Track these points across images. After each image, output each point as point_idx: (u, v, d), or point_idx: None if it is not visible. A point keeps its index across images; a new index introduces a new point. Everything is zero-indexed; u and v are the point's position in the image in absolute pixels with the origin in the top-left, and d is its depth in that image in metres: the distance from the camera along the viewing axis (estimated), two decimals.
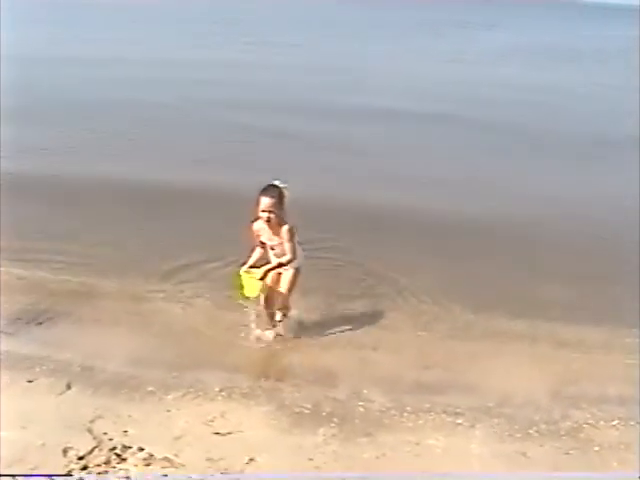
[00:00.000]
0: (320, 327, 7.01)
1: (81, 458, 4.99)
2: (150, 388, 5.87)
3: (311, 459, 5.10)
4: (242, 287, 6.73)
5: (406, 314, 7.35)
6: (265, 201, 6.63)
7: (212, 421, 5.49)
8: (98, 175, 11.27)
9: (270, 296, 7.06)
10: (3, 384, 5.84)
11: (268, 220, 6.68)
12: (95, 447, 5.11)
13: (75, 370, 6.07)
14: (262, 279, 6.73)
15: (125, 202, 10.14)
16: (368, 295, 7.76)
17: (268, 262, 6.83)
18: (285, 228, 6.74)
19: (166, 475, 4.22)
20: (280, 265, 6.84)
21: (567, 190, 11.97)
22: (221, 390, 5.88)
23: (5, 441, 5.06)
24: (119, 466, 4.94)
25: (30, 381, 5.91)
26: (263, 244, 6.91)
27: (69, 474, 3.24)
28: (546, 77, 26.64)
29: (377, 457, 5.18)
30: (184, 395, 5.81)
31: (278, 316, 7.03)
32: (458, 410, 5.76)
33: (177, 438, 5.26)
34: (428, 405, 5.82)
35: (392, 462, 5.13)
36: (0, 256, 8.06)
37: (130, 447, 5.13)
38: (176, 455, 5.06)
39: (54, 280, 7.75)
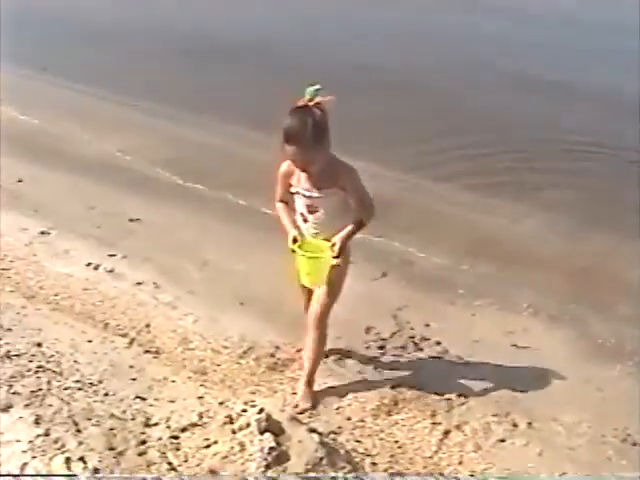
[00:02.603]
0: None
1: (381, 339, 5.46)
2: (461, 291, 6.14)
3: (600, 390, 5.04)
4: (301, 270, 4.51)
5: None
6: (292, 152, 4.22)
7: (512, 333, 5.62)
8: None
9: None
10: None
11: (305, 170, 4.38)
12: (396, 332, 5.53)
13: (394, 260, 6.54)
14: (338, 256, 4.42)
15: None
16: None
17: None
18: (346, 170, 4.38)
19: None
20: (360, 226, 4.46)
21: None
22: (529, 307, 5.96)
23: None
24: (414, 353, 5.30)
25: (351, 262, 6.42)
26: (291, 194, 4.55)
27: (73, 474, 3.58)
28: None
29: None
30: (491, 304, 5.99)
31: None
32: None
33: (474, 341, 5.49)
34: None
35: None
36: None
37: (428, 339, 5.46)
38: (470, 356, 5.29)
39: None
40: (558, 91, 11.52)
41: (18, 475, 3.42)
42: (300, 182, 4.42)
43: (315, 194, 4.40)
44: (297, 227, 4.54)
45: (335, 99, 4.22)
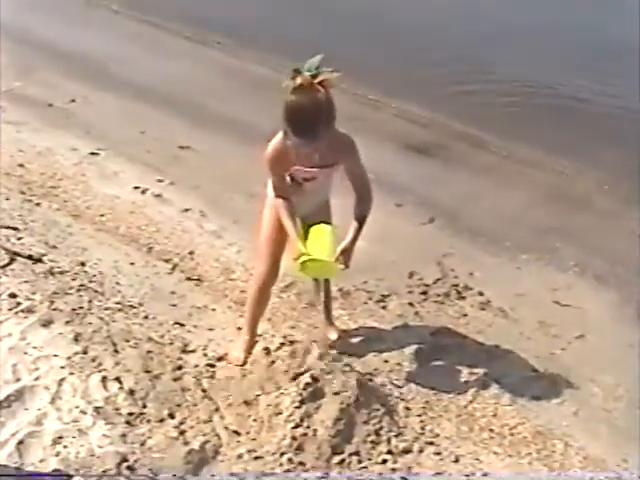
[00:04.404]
0: None
1: (424, 285, 5.39)
2: (507, 244, 6.01)
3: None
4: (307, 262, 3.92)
5: None
6: (303, 144, 3.71)
7: (556, 290, 5.51)
8: None
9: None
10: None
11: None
12: (439, 279, 5.46)
13: (443, 207, 6.43)
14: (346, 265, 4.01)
15: None
16: None
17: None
18: (348, 143, 3.92)
19: None
20: (363, 224, 4.02)
21: None
22: (575, 265, 5.82)
23: (361, 251, 5.52)
24: (456, 302, 5.24)
25: (399, 205, 6.39)
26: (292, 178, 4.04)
27: (70, 475, 3.57)
28: None
29: None
30: (538, 259, 5.87)
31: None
32: None
33: (517, 295, 5.40)
34: None
35: None
36: None
37: (471, 289, 5.39)
38: (511, 309, 5.22)
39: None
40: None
41: (17, 475, 3.44)
42: (299, 159, 3.89)
43: (316, 170, 3.96)
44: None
45: (341, 75, 3.66)
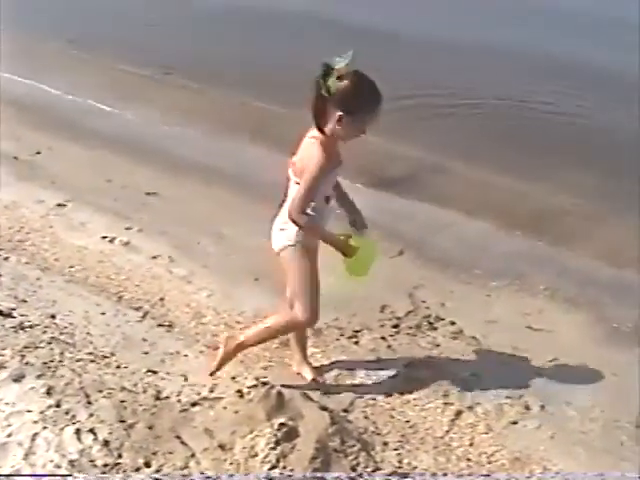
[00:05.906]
0: None
1: (396, 318, 5.40)
2: (477, 271, 6.08)
3: (615, 374, 4.94)
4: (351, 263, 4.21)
5: None
6: (377, 115, 3.97)
7: (528, 314, 5.55)
8: None
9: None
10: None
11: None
12: (411, 311, 5.46)
13: (410, 239, 6.47)
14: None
15: None
16: None
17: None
18: None
19: None
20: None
21: None
22: (546, 289, 5.88)
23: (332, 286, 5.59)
24: (428, 333, 5.24)
25: None
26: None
27: (69, 474, 3.59)
28: None
29: None
30: (508, 285, 5.92)
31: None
32: None
33: (489, 322, 5.42)
34: None
35: None
36: None
37: (443, 319, 5.39)
38: (484, 336, 5.23)
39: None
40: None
41: (15, 475, 3.41)
42: (333, 160, 3.99)
43: (337, 171, 4.12)
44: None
45: None
